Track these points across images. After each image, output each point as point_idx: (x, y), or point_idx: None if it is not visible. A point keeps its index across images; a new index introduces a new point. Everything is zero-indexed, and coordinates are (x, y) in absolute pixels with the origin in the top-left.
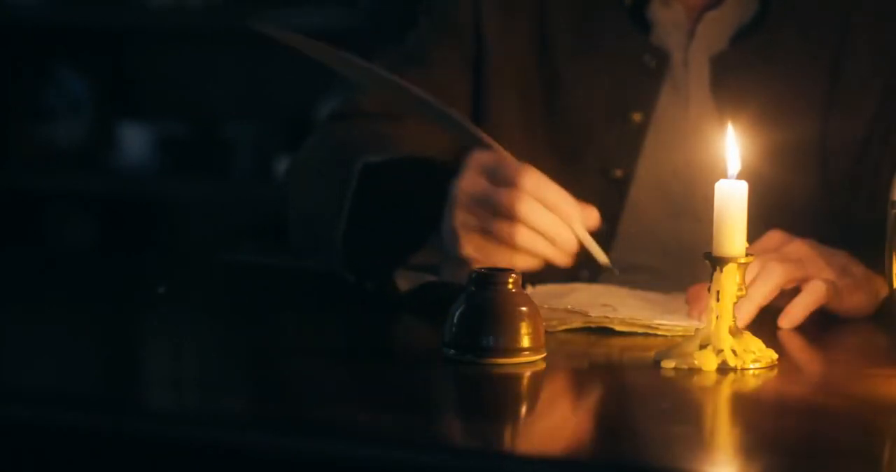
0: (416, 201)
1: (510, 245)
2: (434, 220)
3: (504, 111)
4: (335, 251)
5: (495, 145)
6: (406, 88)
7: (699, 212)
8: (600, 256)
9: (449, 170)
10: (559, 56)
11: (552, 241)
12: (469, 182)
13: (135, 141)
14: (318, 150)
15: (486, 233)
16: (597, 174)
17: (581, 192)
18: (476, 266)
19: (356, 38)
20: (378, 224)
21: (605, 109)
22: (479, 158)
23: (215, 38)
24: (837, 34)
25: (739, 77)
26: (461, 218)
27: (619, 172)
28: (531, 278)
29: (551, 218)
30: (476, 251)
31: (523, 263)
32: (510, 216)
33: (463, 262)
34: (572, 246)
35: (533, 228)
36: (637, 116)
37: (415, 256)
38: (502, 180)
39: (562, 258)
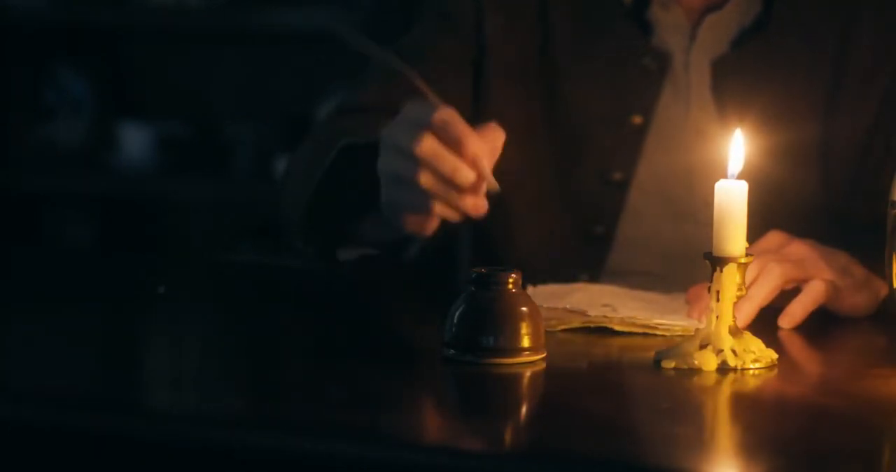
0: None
1: (418, 187)
2: None
3: (504, 112)
4: (297, 212)
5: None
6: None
7: (699, 216)
8: (492, 183)
9: None
10: (559, 57)
11: (451, 179)
12: (391, 128)
13: (135, 141)
14: (314, 134)
15: (398, 177)
16: (596, 177)
17: (580, 194)
18: (392, 210)
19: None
20: (344, 195)
21: (605, 112)
22: (408, 106)
23: (215, 38)
24: (839, 37)
25: (740, 80)
26: (381, 163)
27: (618, 175)
28: (532, 278)
29: (450, 159)
30: (391, 193)
31: (439, 209)
32: (414, 159)
33: (387, 207)
34: (468, 181)
35: (434, 170)
36: (637, 119)
37: (361, 220)
38: (415, 123)
39: (468, 206)
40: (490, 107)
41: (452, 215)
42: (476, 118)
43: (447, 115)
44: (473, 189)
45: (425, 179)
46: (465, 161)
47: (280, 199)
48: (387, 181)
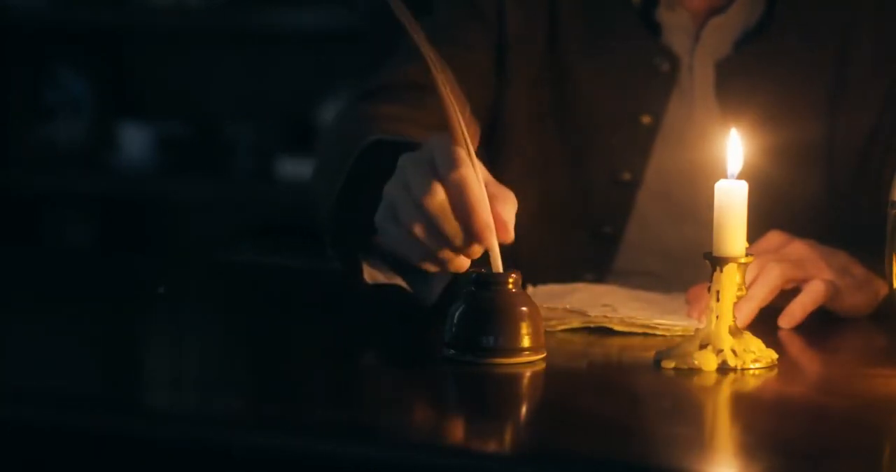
0: None
1: (411, 233)
2: None
3: (516, 106)
4: (326, 213)
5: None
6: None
7: (703, 217)
8: (498, 267)
9: None
10: (569, 56)
11: (449, 241)
12: (410, 160)
13: (135, 141)
14: (344, 121)
15: (396, 212)
16: (605, 176)
17: (589, 194)
18: (382, 233)
19: (356, 38)
20: (367, 196)
21: (615, 111)
22: (433, 139)
23: (215, 38)
24: (840, 37)
25: (744, 82)
26: (388, 187)
27: (627, 175)
28: (537, 278)
29: (455, 226)
30: (384, 223)
31: (419, 260)
32: (419, 208)
33: (378, 228)
34: (472, 255)
35: (434, 228)
36: (647, 119)
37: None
38: (432, 169)
39: (454, 265)
40: (505, 101)
41: (432, 269)
42: (495, 111)
43: (462, 175)
44: (467, 253)
45: (420, 231)
46: (475, 230)
47: (310, 198)
48: (385, 207)
